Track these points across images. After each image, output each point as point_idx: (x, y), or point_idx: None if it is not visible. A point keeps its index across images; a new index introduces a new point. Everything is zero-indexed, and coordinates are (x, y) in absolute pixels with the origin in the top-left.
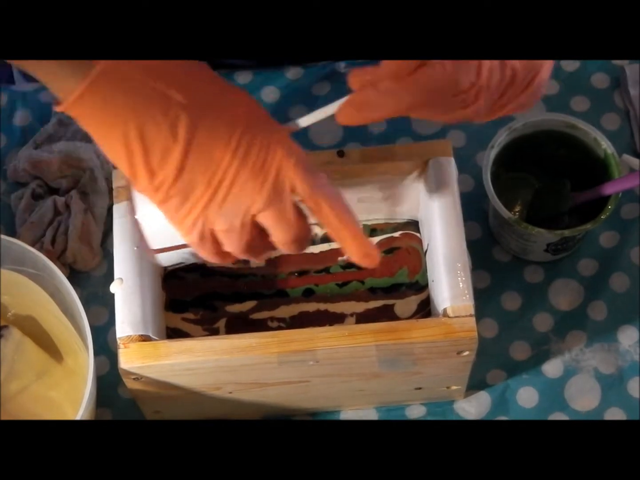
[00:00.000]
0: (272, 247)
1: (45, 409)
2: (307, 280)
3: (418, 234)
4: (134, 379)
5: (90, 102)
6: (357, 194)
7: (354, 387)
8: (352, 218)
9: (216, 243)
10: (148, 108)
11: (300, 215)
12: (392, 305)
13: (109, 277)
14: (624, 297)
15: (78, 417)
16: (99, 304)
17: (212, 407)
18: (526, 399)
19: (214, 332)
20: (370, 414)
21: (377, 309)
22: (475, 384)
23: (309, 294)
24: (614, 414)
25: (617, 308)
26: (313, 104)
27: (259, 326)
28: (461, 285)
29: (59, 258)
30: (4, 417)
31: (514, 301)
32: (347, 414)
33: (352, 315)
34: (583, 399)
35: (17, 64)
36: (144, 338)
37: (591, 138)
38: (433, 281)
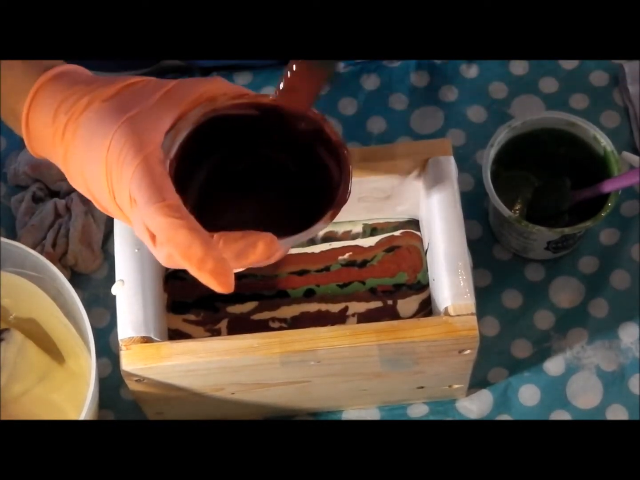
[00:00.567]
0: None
1: (47, 412)
2: (307, 281)
3: (419, 233)
4: (136, 380)
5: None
6: (357, 194)
7: (356, 387)
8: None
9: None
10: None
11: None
12: (394, 305)
13: (110, 279)
14: (625, 294)
15: (80, 419)
16: (101, 306)
17: (214, 408)
18: (528, 396)
19: (216, 333)
20: (373, 414)
21: (379, 309)
22: (477, 383)
23: (309, 295)
24: (616, 411)
25: (618, 305)
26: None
27: (261, 327)
28: (462, 284)
29: (60, 260)
30: (6, 420)
31: (514, 299)
32: (349, 414)
33: (353, 315)
34: (585, 397)
35: None
36: (146, 340)
37: (591, 136)
38: (434, 280)
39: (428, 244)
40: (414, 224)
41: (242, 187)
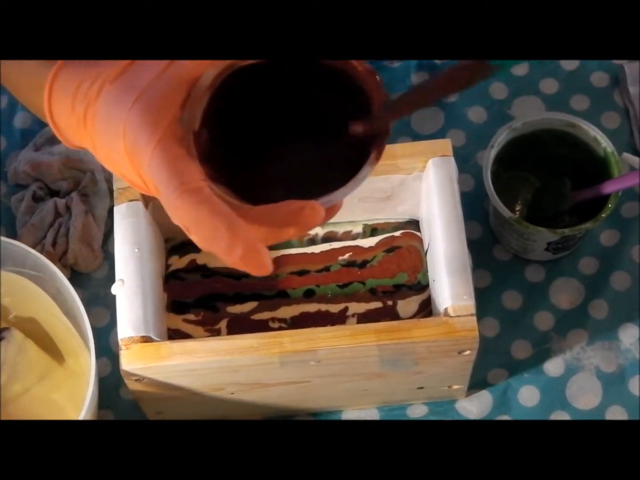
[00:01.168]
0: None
1: (47, 411)
2: (307, 281)
3: (419, 233)
4: (135, 380)
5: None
6: (358, 194)
7: (355, 387)
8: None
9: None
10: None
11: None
12: (393, 306)
13: (110, 278)
14: (625, 296)
15: (80, 419)
16: (101, 305)
17: (214, 408)
18: (527, 397)
19: (216, 333)
20: (372, 414)
21: (378, 310)
22: (476, 383)
23: (309, 295)
24: (615, 412)
25: (618, 306)
26: None
27: (260, 327)
28: (462, 285)
29: (60, 260)
30: (6, 419)
31: (514, 300)
32: (348, 414)
33: (353, 315)
34: (584, 398)
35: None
36: (146, 339)
37: (591, 137)
38: (434, 281)
39: (428, 244)
40: (414, 224)
41: (280, 142)
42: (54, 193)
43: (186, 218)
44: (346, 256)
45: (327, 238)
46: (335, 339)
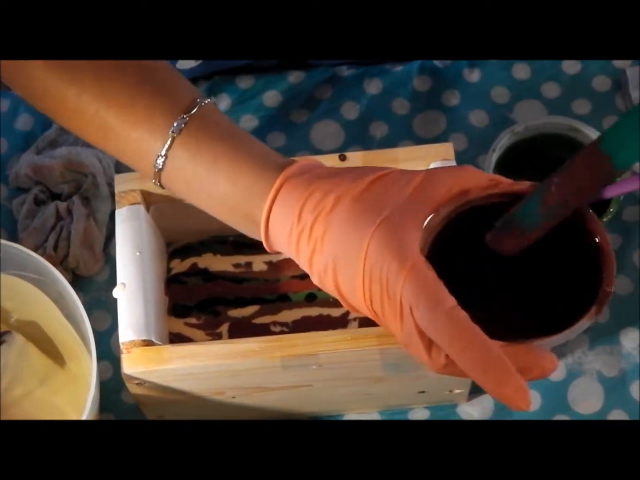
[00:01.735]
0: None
1: (48, 415)
2: (309, 285)
3: None
4: (137, 383)
5: None
6: None
7: (357, 391)
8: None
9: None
10: None
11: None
12: None
13: (112, 282)
14: (627, 300)
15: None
16: (102, 308)
17: (215, 412)
18: None
19: (217, 336)
20: (373, 418)
21: None
22: (478, 387)
23: (311, 299)
24: (617, 416)
25: (620, 311)
26: (315, 108)
27: (262, 331)
28: None
29: (61, 263)
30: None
31: None
32: (350, 418)
33: (354, 319)
34: (586, 402)
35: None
36: (147, 343)
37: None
38: None
39: None
40: None
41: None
42: (55, 196)
43: (453, 339)
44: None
45: None
46: (337, 343)
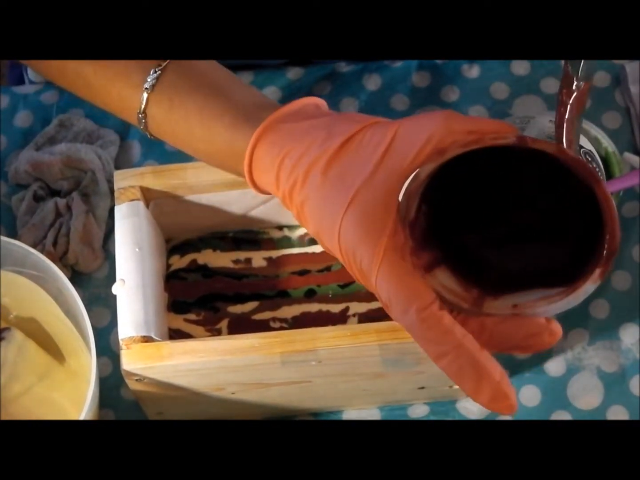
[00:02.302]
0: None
1: (47, 411)
2: (308, 281)
3: None
4: (136, 380)
5: None
6: None
7: (356, 387)
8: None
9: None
10: None
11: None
12: None
13: (111, 278)
14: (626, 295)
15: (81, 419)
16: (101, 305)
17: (215, 408)
18: (529, 397)
19: (216, 333)
20: (373, 414)
21: (380, 309)
22: None
23: (310, 295)
24: (617, 412)
25: (619, 306)
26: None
27: (261, 327)
28: None
29: (60, 260)
30: (6, 419)
31: None
32: (349, 414)
33: (354, 315)
34: (585, 398)
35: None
36: (147, 339)
37: (592, 136)
38: None
39: None
40: None
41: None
42: (54, 193)
43: (429, 347)
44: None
45: None
46: (337, 339)
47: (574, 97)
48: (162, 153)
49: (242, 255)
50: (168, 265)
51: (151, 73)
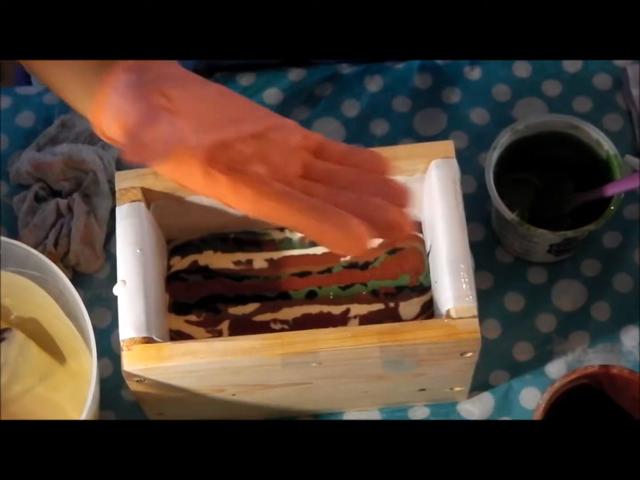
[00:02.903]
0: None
1: (48, 412)
2: (309, 282)
3: (421, 235)
4: (137, 381)
5: None
6: None
7: (357, 389)
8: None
9: None
10: None
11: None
12: (395, 307)
13: (112, 279)
14: (627, 298)
15: (81, 420)
16: (102, 306)
17: (215, 409)
18: (529, 399)
19: (217, 334)
20: (374, 416)
21: (380, 311)
22: (478, 385)
23: (311, 296)
24: None
25: (620, 308)
26: (315, 105)
27: (262, 328)
28: (464, 287)
29: (61, 260)
30: (7, 419)
31: (517, 302)
32: (350, 416)
33: (355, 317)
34: None
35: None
36: (147, 340)
37: (593, 139)
38: (436, 282)
39: (430, 246)
40: (416, 226)
41: None
42: (56, 193)
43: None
44: (348, 258)
45: None
46: (337, 341)
47: None
48: None
49: (243, 256)
50: (169, 267)
51: None
